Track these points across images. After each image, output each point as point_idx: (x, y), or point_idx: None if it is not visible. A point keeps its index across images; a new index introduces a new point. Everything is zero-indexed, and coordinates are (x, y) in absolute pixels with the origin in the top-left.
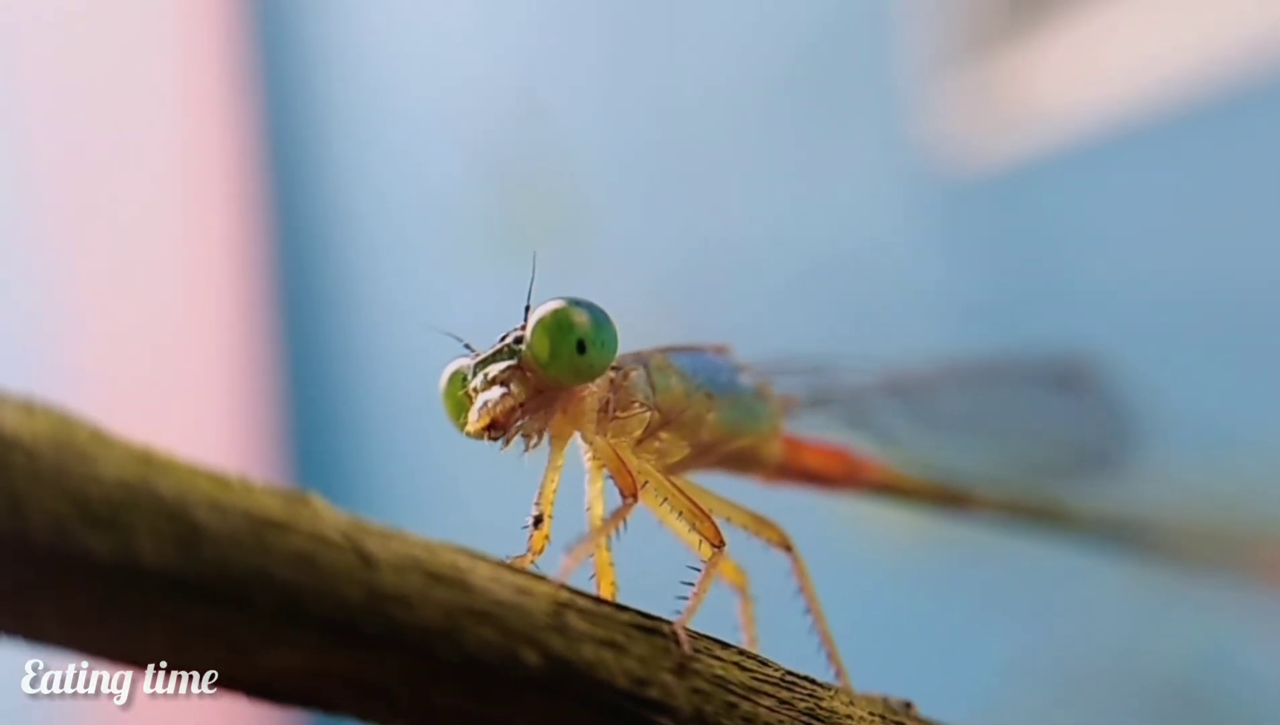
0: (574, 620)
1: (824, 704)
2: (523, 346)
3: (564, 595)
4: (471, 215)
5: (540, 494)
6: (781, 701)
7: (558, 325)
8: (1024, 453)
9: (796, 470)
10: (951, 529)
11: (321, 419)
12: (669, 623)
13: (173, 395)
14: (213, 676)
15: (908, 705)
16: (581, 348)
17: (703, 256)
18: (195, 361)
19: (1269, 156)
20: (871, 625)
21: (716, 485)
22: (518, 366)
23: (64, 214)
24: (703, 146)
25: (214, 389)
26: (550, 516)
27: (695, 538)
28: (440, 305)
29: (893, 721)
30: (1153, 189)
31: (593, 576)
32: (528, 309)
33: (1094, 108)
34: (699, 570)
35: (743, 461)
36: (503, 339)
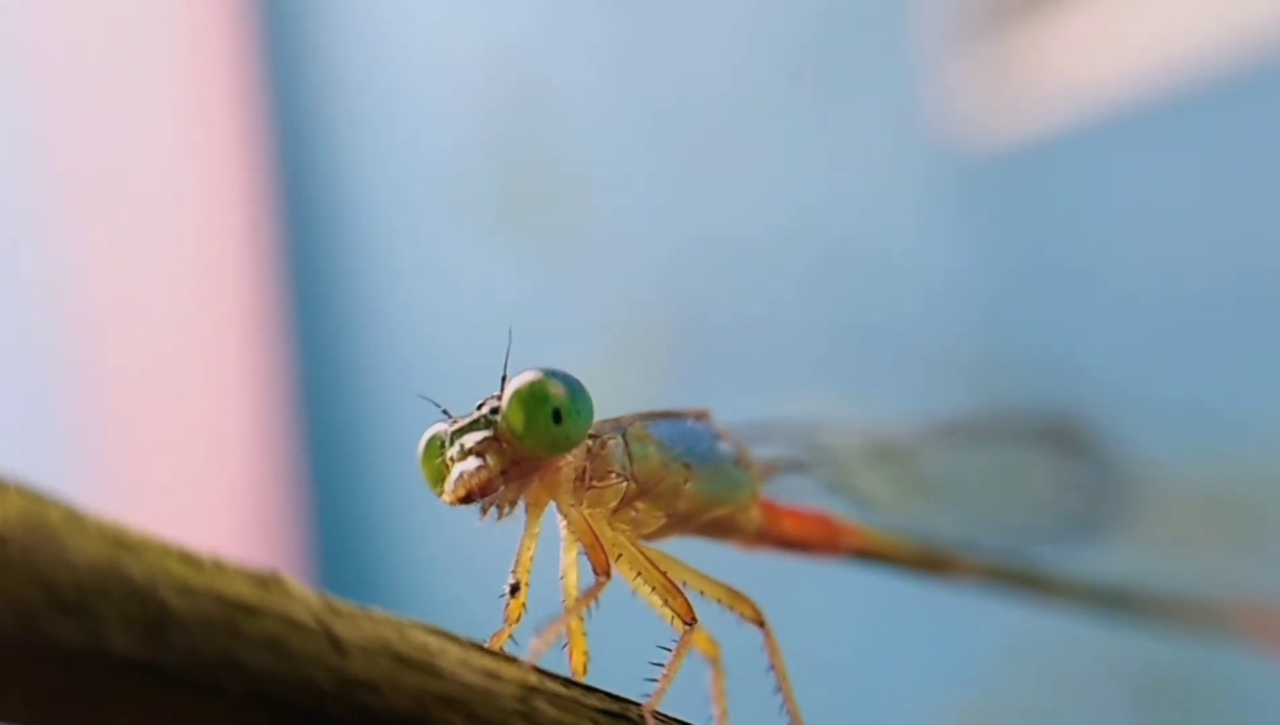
0: (542, 705)
1: None
2: (499, 417)
3: (533, 679)
4: (475, 194)
5: (517, 562)
6: None
7: (533, 397)
8: (1008, 516)
9: (776, 536)
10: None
11: (330, 407)
12: (637, 706)
13: (183, 385)
14: None
15: None
16: (557, 418)
17: (708, 237)
18: (206, 354)
19: None
20: (858, 624)
21: (693, 550)
22: (494, 438)
23: (68, 203)
24: (710, 125)
25: (225, 371)
26: (527, 584)
27: (668, 612)
28: (443, 281)
29: None
30: (1169, 167)
31: (565, 646)
32: (504, 379)
33: (1110, 84)
34: (669, 649)
35: (721, 528)
36: (479, 407)
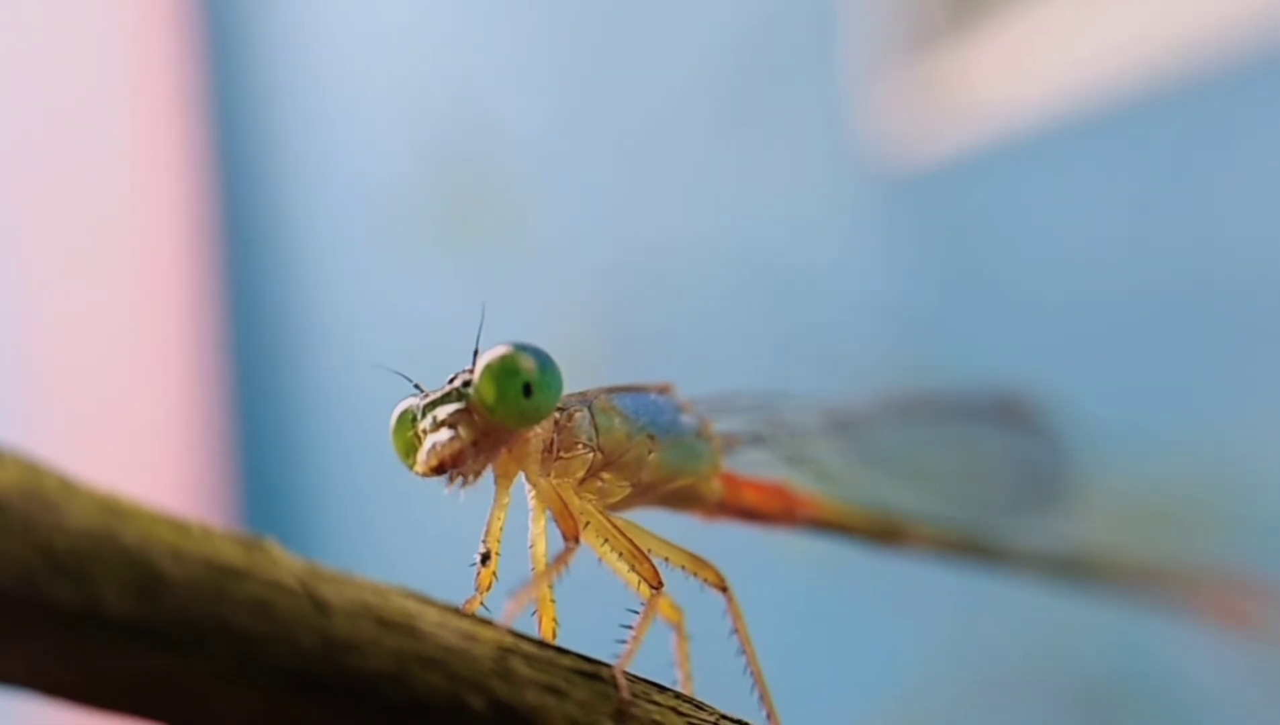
0: (518, 666)
1: None
2: (470, 390)
3: (509, 641)
4: (414, 211)
5: (487, 532)
6: None
7: (505, 370)
8: (960, 488)
9: (736, 507)
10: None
11: (266, 415)
12: (609, 666)
13: (121, 392)
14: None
15: None
16: (528, 391)
17: (641, 253)
18: (143, 359)
19: (1198, 153)
20: (795, 618)
21: (655, 521)
22: (465, 409)
23: (13, 207)
24: (643, 143)
25: (160, 381)
26: (498, 554)
27: (635, 578)
28: (382, 299)
29: None
30: (1085, 183)
31: (534, 613)
32: (476, 352)
33: (1029, 104)
34: (638, 611)
35: (683, 499)
36: (451, 381)
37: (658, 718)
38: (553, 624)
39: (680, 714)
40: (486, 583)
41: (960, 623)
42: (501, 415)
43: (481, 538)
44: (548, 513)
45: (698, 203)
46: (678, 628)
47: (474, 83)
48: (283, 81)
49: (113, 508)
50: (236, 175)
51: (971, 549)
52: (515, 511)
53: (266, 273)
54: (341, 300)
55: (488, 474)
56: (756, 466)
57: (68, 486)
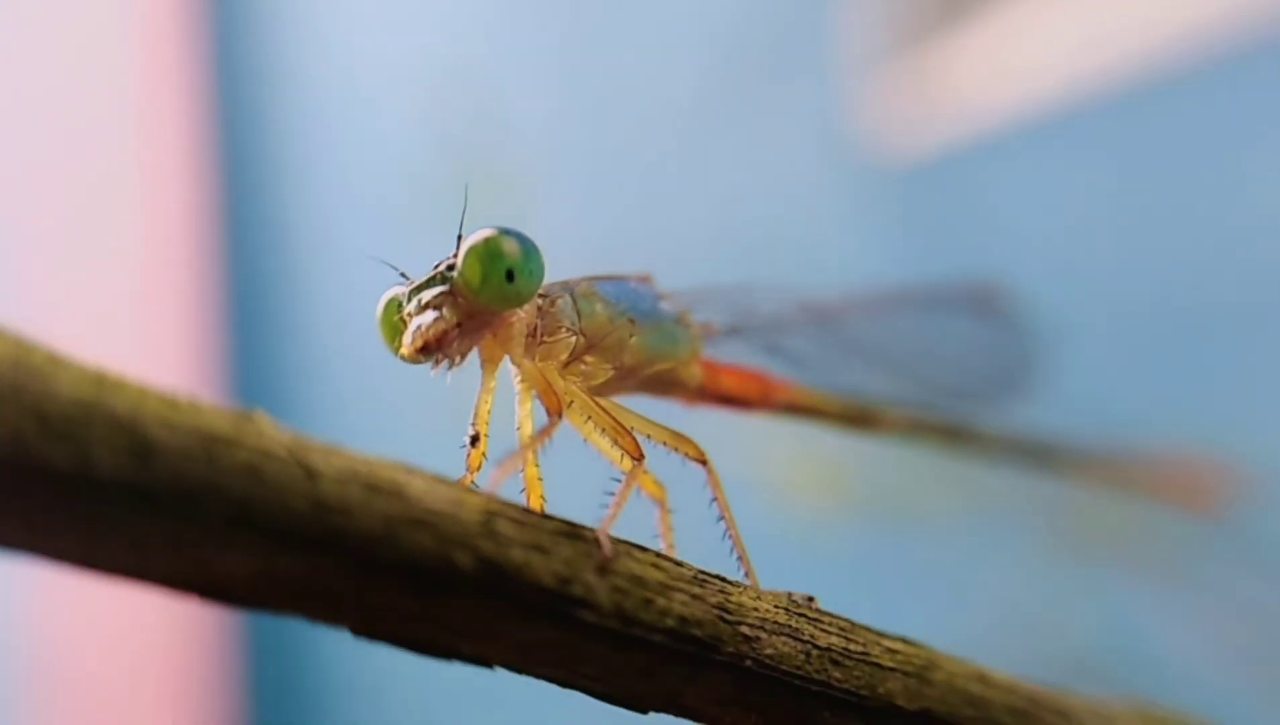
0: (504, 527)
1: (733, 599)
2: (455, 273)
3: (494, 505)
4: (420, 196)
5: (475, 415)
6: (694, 597)
7: (488, 253)
8: (933, 376)
9: (715, 393)
10: (867, 503)
11: (268, 361)
12: (592, 529)
13: (128, 340)
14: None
15: (810, 599)
16: (510, 276)
17: (640, 234)
18: (150, 307)
19: (1179, 144)
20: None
21: (638, 407)
22: (450, 292)
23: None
24: (644, 129)
25: (167, 335)
26: (486, 435)
27: (617, 452)
28: (387, 282)
29: (796, 613)
30: (1072, 174)
31: (523, 490)
32: (460, 238)
33: (1016, 98)
34: (619, 480)
35: (664, 384)
36: (436, 267)
37: (638, 572)
38: (540, 501)
39: (659, 569)
40: (476, 463)
41: (947, 599)
42: (485, 297)
43: (470, 420)
44: (533, 396)
45: (697, 191)
46: (661, 503)
47: (484, 71)
48: (291, 70)
49: (101, 380)
50: (243, 154)
51: (944, 433)
52: (503, 397)
53: (273, 249)
54: (348, 279)
55: (474, 360)
56: (734, 355)
57: (56, 360)
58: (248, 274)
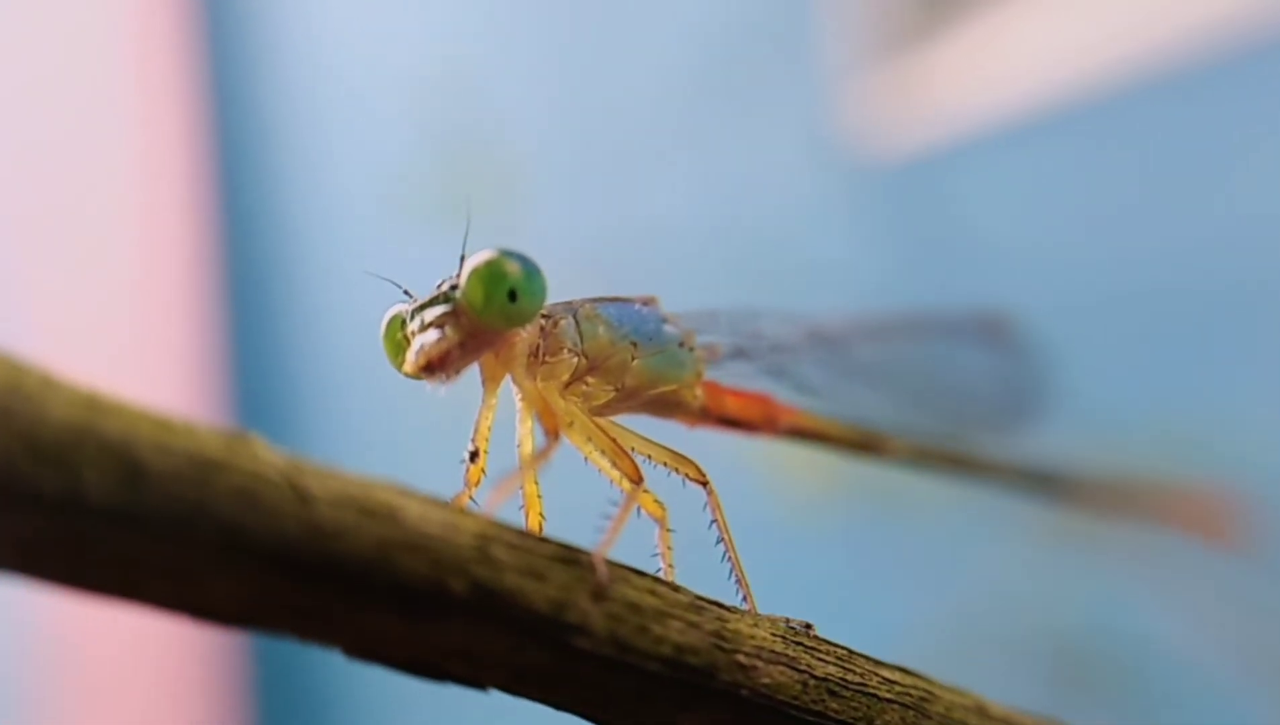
0: (498, 552)
1: (730, 626)
2: (458, 293)
3: (490, 529)
4: (413, 190)
5: (475, 431)
6: (690, 624)
7: (491, 273)
8: (938, 403)
9: (718, 415)
10: (858, 487)
11: (266, 371)
12: (588, 553)
13: (125, 352)
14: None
15: (808, 626)
16: (513, 296)
17: (628, 234)
18: (148, 316)
19: (1161, 144)
20: (775, 580)
21: (641, 427)
22: (453, 311)
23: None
24: (632, 129)
25: (165, 343)
26: (485, 452)
27: (617, 474)
28: (381, 268)
29: (793, 641)
30: (1055, 175)
31: (522, 507)
32: (463, 258)
33: (1001, 100)
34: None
35: (666, 405)
36: (439, 286)
37: (634, 599)
38: (539, 519)
39: (656, 595)
40: (475, 479)
41: (938, 586)
42: (488, 317)
43: (470, 437)
44: (533, 414)
45: (684, 190)
46: (661, 522)
47: (477, 69)
48: (284, 64)
49: (94, 403)
50: (237, 156)
51: (949, 460)
52: (503, 415)
53: (268, 250)
54: (340, 277)
55: (473, 373)
56: (739, 378)
57: (49, 383)
58: (246, 274)
